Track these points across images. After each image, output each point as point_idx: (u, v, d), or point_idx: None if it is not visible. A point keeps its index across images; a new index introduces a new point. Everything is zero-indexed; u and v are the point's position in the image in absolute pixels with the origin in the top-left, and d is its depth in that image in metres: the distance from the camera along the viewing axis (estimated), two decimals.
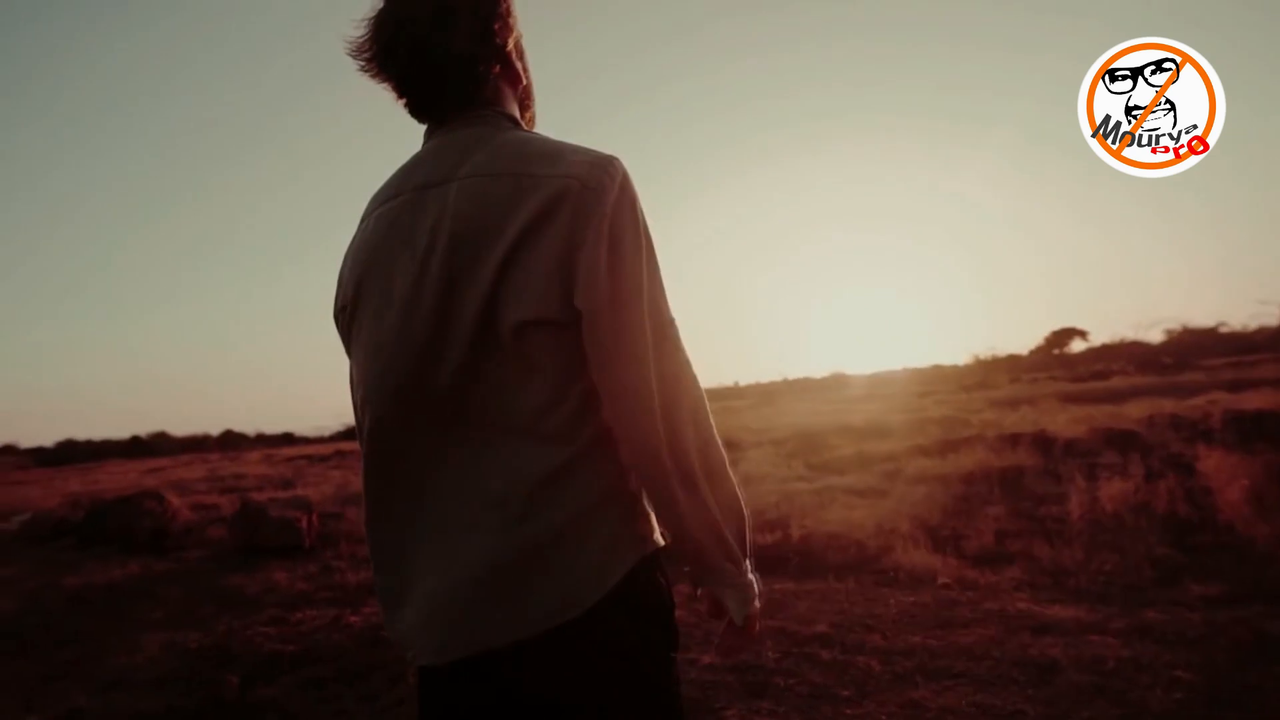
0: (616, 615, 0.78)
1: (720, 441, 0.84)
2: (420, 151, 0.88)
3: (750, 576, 0.85)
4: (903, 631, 3.01)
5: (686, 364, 0.80)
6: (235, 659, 3.27)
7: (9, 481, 16.23)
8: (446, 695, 0.83)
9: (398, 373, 0.81)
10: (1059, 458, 6.64)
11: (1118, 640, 2.72)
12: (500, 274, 0.76)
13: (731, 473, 0.84)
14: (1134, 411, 9.22)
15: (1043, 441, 7.39)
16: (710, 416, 0.83)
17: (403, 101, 0.87)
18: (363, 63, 0.85)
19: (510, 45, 0.88)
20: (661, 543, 0.87)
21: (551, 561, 0.78)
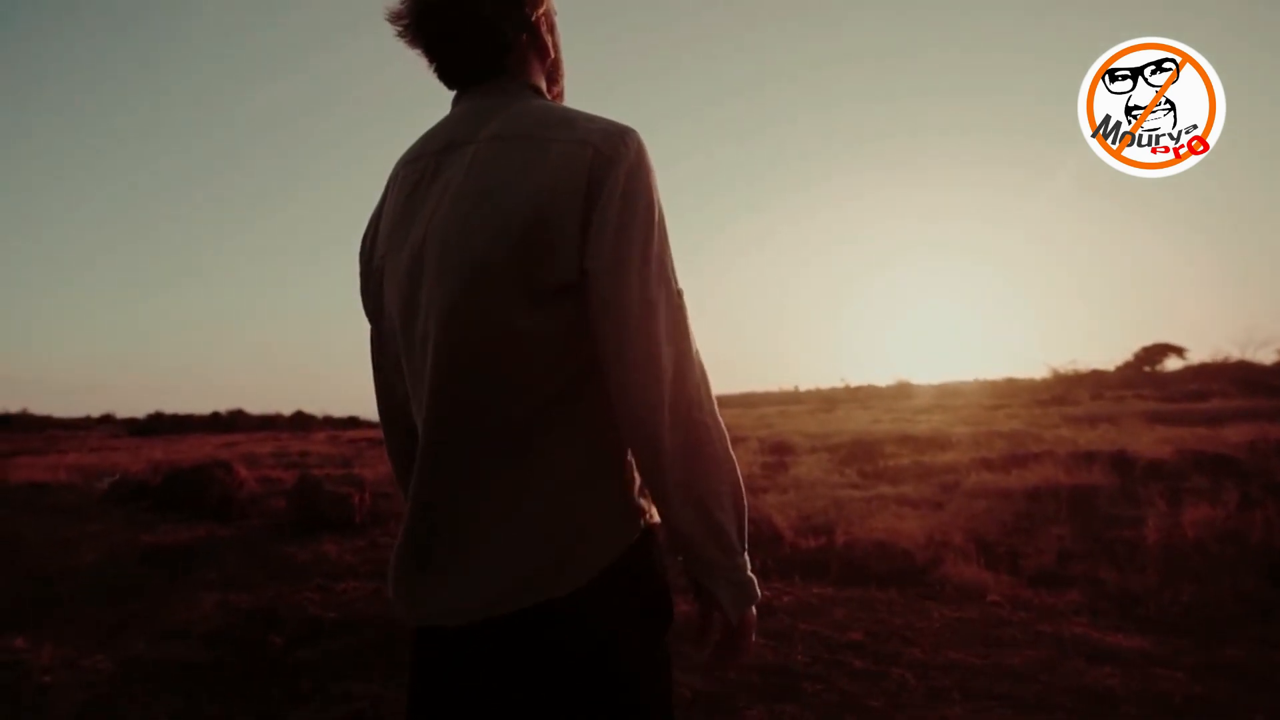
0: (603, 594, 0.76)
1: (723, 423, 0.80)
2: (446, 116, 0.90)
3: (749, 574, 0.80)
4: (943, 647, 2.83)
5: (691, 336, 0.79)
6: (281, 622, 3.41)
7: (105, 447, 17.76)
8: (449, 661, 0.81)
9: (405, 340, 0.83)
10: (1139, 479, 6.13)
11: (1188, 676, 2.47)
12: (514, 236, 0.75)
13: (733, 454, 0.80)
14: (1233, 435, 8.41)
15: (1122, 461, 6.84)
16: (713, 395, 0.79)
17: (433, 67, 0.89)
18: (399, 29, 0.88)
19: (538, 17, 0.89)
20: (656, 520, 0.82)
21: (534, 535, 0.76)
